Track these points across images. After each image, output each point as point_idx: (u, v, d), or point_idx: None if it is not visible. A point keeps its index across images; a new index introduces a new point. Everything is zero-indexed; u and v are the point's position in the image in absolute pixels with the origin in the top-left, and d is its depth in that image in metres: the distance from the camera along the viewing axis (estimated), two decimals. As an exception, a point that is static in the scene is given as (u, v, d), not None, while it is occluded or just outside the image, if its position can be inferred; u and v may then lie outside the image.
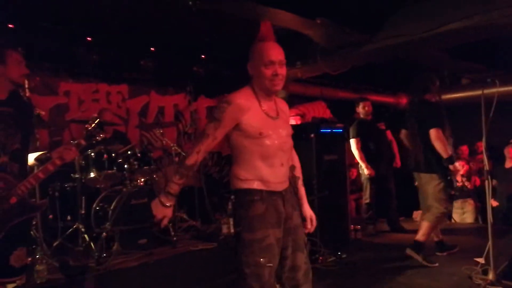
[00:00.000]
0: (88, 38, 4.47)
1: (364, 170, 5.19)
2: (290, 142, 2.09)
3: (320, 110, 7.11)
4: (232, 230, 4.22)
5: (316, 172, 4.68)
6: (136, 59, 4.93)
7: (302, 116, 6.69)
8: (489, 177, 3.18)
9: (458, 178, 5.73)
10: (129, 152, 4.07)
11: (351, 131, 5.24)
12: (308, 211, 2.18)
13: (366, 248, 4.77)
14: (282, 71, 1.95)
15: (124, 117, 5.13)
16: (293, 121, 6.45)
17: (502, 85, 3.25)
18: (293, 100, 6.65)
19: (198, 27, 4.54)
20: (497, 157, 5.67)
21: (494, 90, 2.99)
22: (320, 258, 4.21)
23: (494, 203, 5.75)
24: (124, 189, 3.88)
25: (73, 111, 4.70)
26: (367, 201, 5.36)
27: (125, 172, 3.99)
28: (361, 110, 5.27)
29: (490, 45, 5.19)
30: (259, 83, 1.97)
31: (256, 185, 1.94)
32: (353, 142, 5.19)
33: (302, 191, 2.21)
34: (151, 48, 5.00)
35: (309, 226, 2.14)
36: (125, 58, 4.91)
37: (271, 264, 1.94)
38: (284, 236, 1.98)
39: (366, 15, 4.45)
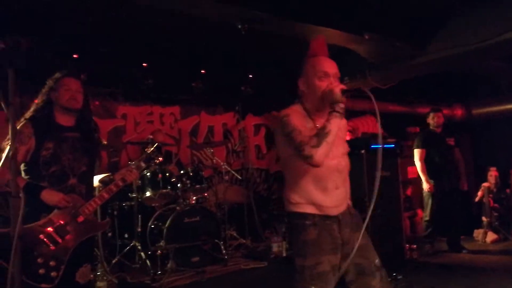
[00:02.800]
0: (144, 64, 4.72)
1: (424, 184, 4.95)
2: (346, 161, 1.97)
3: (369, 125, 6.95)
4: (283, 250, 4.19)
5: (367, 189, 4.56)
6: (188, 81, 5.12)
7: (352, 131, 6.58)
8: None
9: None
10: (181, 172, 4.21)
11: (416, 141, 5.02)
12: None
13: (423, 268, 4.53)
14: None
15: (176, 137, 5.33)
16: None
17: None
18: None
19: (246, 47, 4.65)
20: None
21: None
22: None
23: None
24: (178, 208, 4.00)
25: (130, 133, 4.95)
26: (427, 218, 5.08)
27: (178, 191, 4.12)
28: (431, 121, 5.01)
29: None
30: (312, 99, 1.89)
31: (308, 209, 1.85)
32: (416, 153, 4.95)
33: None
34: (202, 71, 5.18)
35: None
36: (177, 81, 5.13)
37: None
38: (341, 262, 1.86)
39: (417, 27, 4.34)
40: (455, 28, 4.21)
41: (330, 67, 1.91)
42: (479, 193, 5.73)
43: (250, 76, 5.54)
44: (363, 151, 4.61)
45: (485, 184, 5.73)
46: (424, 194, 5.06)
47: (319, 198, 1.85)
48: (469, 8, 4.05)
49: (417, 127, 8.47)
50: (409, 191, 7.43)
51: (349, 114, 6.75)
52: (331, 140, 1.76)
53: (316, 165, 1.77)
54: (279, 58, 5.29)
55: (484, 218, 5.71)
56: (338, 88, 1.80)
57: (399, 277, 4.13)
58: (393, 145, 4.99)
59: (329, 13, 3.83)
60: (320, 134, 1.76)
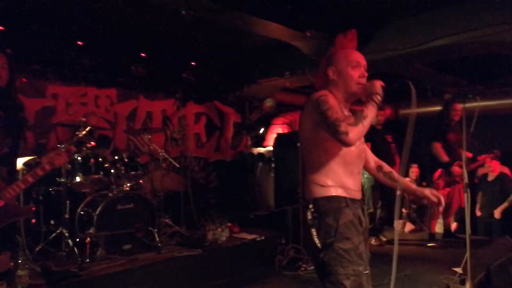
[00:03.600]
0: (79, 42, 4.46)
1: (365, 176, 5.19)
2: (365, 150, 2.06)
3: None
4: (219, 238, 4.24)
5: (302, 180, 4.75)
6: (127, 64, 4.94)
7: (289, 124, 6.77)
8: (468, 190, 3.26)
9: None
10: (116, 157, 4.08)
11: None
12: (426, 190, 2.03)
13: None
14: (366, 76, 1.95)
15: (111, 121, 5.12)
16: (280, 130, 6.53)
17: (482, 99, 3.36)
18: (281, 109, 6.74)
19: (189, 34, 4.58)
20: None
21: (475, 104, 3.07)
22: (304, 265, 4.27)
23: (478, 213, 5.91)
24: (110, 194, 3.87)
25: (60, 114, 4.66)
26: (370, 210, 5.38)
27: (111, 177, 3.99)
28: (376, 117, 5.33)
29: (472, 60, 5.35)
30: (343, 87, 1.94)
31: (340, 192, 1.86)
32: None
33: (404, 180, 2.12)
34: (142, 54, 5.01)
35: (435, 200, 1.99)
36: (115, 63, 4.91)
37: (367, 271, 1.88)
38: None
39: (357, 28, 4.54)
40: (389, 33, 4.49)
41: (361, 57, 1.98)
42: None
43: (193, 63, 5.47)
44: (299, 144, 4.79)
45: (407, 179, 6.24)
46: (366, 187, 5.38)
47: (348, 181, 1.89)
48: (402, 15, 4.33)
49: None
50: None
51: (287, 108, 6.95)
52: (367, 124, 1.80)
53: (350, 144, 1.76)
54: (223, 47, 5.29)
55: (403, 210, 6.23)
56: (378, 82, 1.89)
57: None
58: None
59: (274, 8, 3.90)
60: (358, 115, 1.80)
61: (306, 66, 5.11)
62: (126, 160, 4.10)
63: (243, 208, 5.49)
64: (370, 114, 1.81)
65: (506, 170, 6.00)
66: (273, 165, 5.30)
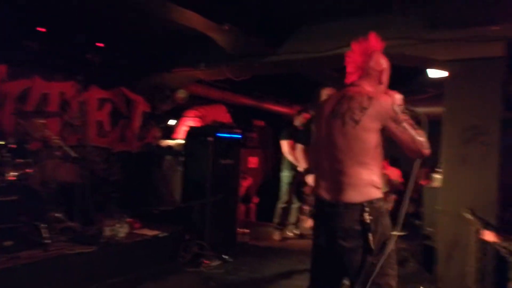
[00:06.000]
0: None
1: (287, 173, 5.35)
2: None
3: (220, 114, 7.15)
4: (117, 234, 3.97)
5: (211, 176, 4.68)
6: (20, 38, 4.35)
7: (202, 118, 6.66)
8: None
9: None
10: (1, 143, 3.58)
11: (283, 134, 5.42)
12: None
13: (252, 251, 4.94)
14: None
15: (-3, 101, 4.49)
16: (192, 123, 6.38)
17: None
18: (194, 101, 6.58)
19: (97, 11, 4.21)
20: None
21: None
22: (206, 261, 4.22)
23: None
24: (-11, 184, 3.38)
25: None
26: (283, 205, 5.53)
27: (-8, 164, 3.49)
28: (297, 119, 5.45)
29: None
30: (375, 85, 2.06)
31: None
32: (283, 144, 5.35)
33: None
34: (38, 28, 4.47)
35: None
36: (6, 36, 4.30)
37: None
38: None
39: (272, 28, 4.62)
40: (304, 36, 4.64)
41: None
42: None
43: (99, 44, 5.04)
44: (210, 139, 4.72)
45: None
46: (283, 183, 5.51)
47: None
48: (315, 21, 4.50)
49: (262, 121, 9.14)
50: (249, 180, 7.96)
51: (201, 101, 6.83)
52: None
53: (426, 156, 1.89)
54: (135, 31, 4.97)
55: (305, 207, 6.54)
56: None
57: (230, 259, 4.40)
58: (239, 136, 5.26)
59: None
60: (419, 131, 1.90)
61: (222, 60, 5.04)
62: (13, 146, 3.64)
63: (147, 203, 5.24)
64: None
65: (396, 172, 6.67)
66: (182, 159, 5.14)
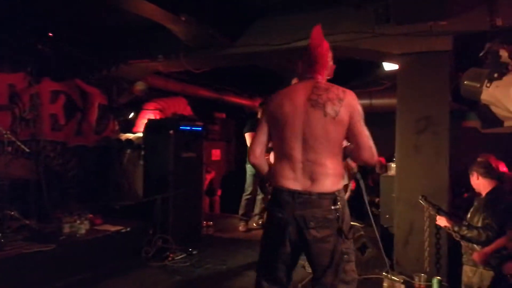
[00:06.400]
0: None
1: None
2: None
3: (180, 107, 7.04)
4: (77, 231, 3.86)
5: (173, 169, 4.64)
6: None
7: (162, 111, 6.54)
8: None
9: None
10: None
11: (247, 126, 5.37)
12: None
13: (216, 243, 4.97)
14: None
15: None
16: (152, 116, 6.26)
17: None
18: (153, 94, 6.45)
19: (49, 2, 4.00)
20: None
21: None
22: (171, 255, 4.20)
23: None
24: None
25: None
26: (248, 196, 5.54)
27: None
28: (261, 111, 5.42)
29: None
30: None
31: None
32: (247, 136, 5.29)
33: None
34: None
35: None
36: None
37: None
38: None
39: (231, 20, 4.61)
40: (262, 28, 4.66)
41: None
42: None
43: (51, 34, 4.80)
44: (171, 131, 4.67)
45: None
46: (248, 175, 5.53)
47: None
48: (272, 13, 4.54)
49: (223, 113, 9.12)
50: (213, 172, 7.96)
51: (161, 94, 6.70)
52: None
53: (373, 164, 2.08)
54: (90, 20, 4.77)
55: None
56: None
57: (194, 252, 4.41)
58: (201, 128, 5.23)
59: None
60: None
61: (181, 51, 4.96)
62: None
63: (107, 198, 5.10)
64: None
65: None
66: (142, 152, 5.04)
